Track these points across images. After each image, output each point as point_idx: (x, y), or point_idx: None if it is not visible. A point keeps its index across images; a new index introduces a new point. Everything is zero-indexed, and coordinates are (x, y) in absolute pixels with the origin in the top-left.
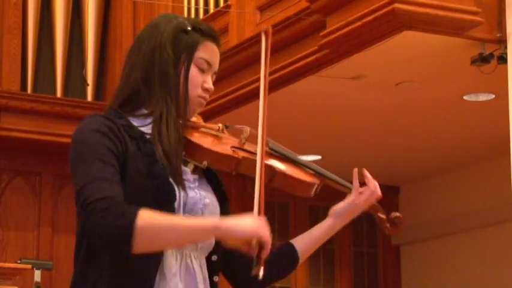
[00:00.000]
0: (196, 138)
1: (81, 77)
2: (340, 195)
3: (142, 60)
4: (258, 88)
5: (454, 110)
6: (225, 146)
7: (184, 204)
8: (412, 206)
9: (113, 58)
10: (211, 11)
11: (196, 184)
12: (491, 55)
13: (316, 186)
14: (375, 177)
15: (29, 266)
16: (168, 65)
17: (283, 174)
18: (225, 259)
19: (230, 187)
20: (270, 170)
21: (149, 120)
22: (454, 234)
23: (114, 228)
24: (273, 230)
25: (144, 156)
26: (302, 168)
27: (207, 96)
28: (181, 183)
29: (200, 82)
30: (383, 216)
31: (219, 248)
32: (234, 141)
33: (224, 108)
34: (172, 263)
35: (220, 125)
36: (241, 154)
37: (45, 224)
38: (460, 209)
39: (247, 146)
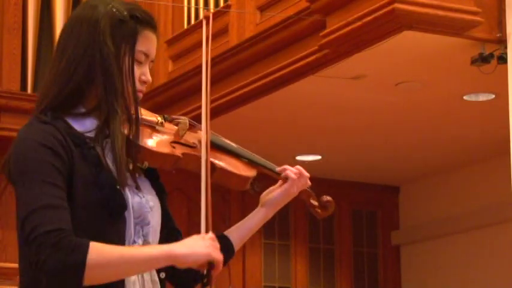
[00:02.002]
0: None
1: None
2: None
3: (81, 55)
4: (257, 88)
5: (454, 110)
6: (164, 142)
7: (132, 210)
8: (412, 206)
9: None
10: (211, 11)
11: (134, 185)
12: (491, 55)
13: (251, 179)
14: (375, 177)
15: None
16: (110, 60)
17: (223, 170)
18: (172, 273)
19: None
20: (211, 167)
21: (88, 120)
22: (454, 234)
23: (64, 265)
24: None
25: (90, 165)
26: (240, 159)
27: (143, 89)
28: (124, 188)
29: (138, 75)
30: (315, 202)
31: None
32: (172, 135)
33: (224, 108)
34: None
35: (159, 117)
36: (181, 151)
37: None
38: (460, 209)
39: (185, 139)
